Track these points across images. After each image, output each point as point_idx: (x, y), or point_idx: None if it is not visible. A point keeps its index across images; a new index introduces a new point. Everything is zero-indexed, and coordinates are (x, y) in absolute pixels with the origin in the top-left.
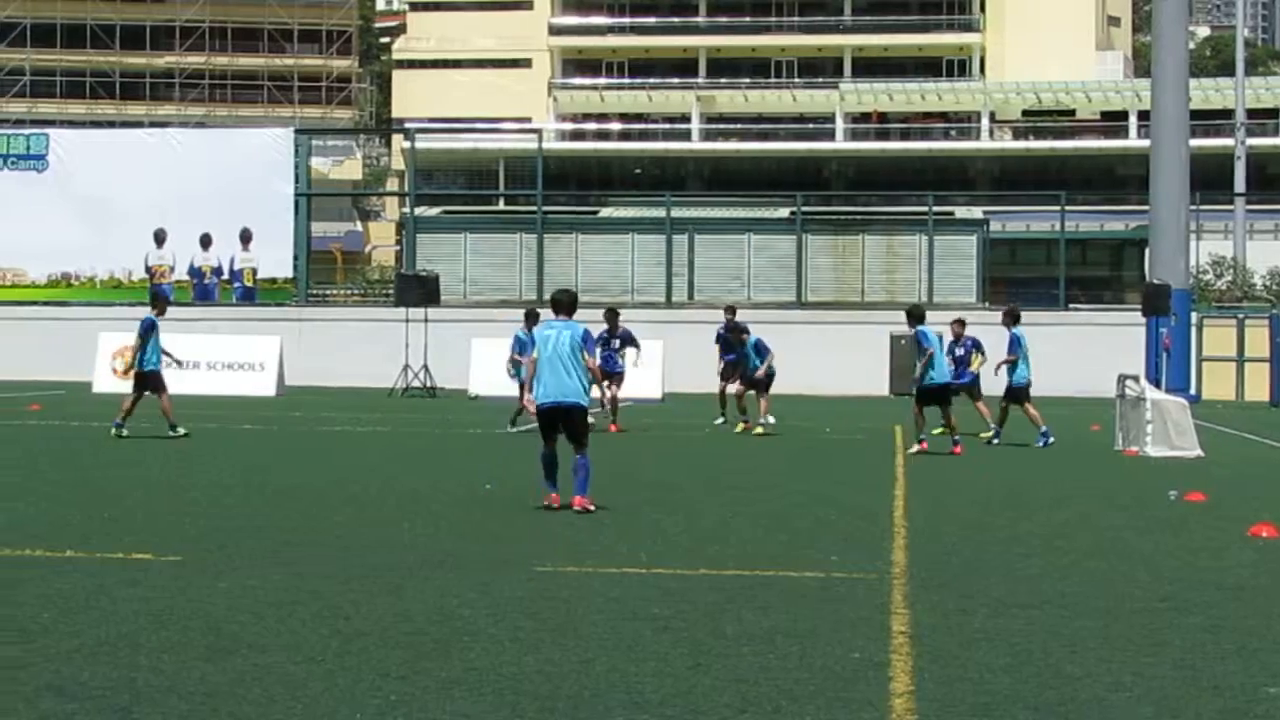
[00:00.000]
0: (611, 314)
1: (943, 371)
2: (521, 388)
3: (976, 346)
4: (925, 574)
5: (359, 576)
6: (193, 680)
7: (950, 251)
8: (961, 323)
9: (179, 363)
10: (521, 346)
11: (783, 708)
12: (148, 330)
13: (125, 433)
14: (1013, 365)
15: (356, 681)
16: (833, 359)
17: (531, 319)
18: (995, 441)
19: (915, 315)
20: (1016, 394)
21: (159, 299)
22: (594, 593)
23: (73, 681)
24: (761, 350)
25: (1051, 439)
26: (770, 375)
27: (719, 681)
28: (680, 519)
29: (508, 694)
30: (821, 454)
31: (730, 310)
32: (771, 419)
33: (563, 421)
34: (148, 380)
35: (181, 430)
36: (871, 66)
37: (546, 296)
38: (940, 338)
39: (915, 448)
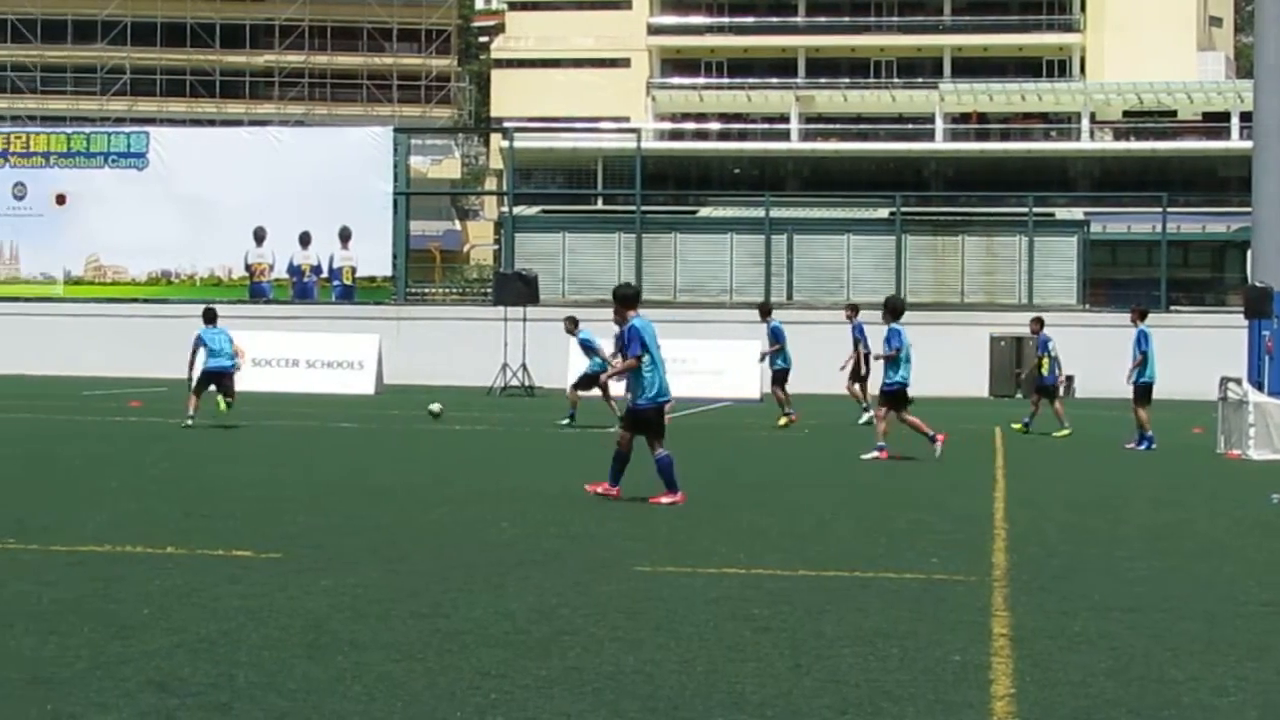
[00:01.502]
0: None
1: (907, 373)
2: (590, 381)
3: (1044, 346)
4: (1026, 576)
5: (458, 575)
6: (293, 678)
7: (1050, 253)
8: (1040, 321)
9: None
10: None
11: (883, 709)
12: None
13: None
14: (1142, 364)
15: (456, 680)
16: (931, 360)
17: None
18: (1153, 447)
19: (892, 309)
20: (1139, 392)
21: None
22: (694, 593)
23: (173, 678)
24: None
25: (1155, 445)
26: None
27: (819, 682)
28: (779, 519)
29: (607, 693)
30: (916, 455)
31: (854, 309)
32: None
33: (660, 420)
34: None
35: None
36: (971, 67)
37: (645, 296)
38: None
39: (874, 454)
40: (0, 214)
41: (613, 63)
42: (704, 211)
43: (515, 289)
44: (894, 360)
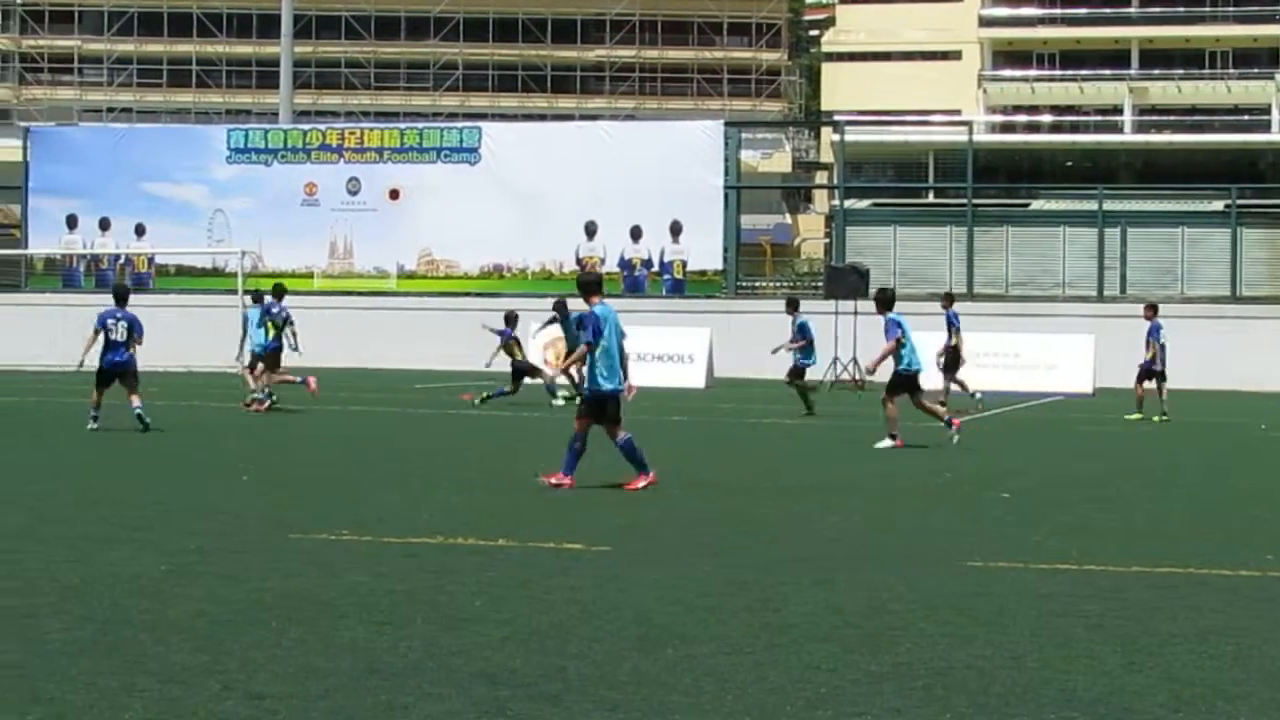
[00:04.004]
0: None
1: (915, 359)
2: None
3: (1152, 334)
4: None
5: (787, 568)
6: (623, 670)
7: None
8: (1153, 307)
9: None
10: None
11: (1217, 708)
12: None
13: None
14: None
15: (785, 674)
16: (1268, 355)
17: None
18: None
19: (883, 300)
20: None
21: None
22: (1024, 588)
23: (504, 669)
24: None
25: None
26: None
27: (1151, 680)
28: (1112, 515)
29: (937, 689)
30: (1256, 451)
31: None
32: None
33: (617, 407)
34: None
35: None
36: None
37: (977, 290)
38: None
39: (888, 443)
40: (335, 209)
41: (944, 55)
42: (1035, 204)
43: (848, 282)
44: (899, 350)
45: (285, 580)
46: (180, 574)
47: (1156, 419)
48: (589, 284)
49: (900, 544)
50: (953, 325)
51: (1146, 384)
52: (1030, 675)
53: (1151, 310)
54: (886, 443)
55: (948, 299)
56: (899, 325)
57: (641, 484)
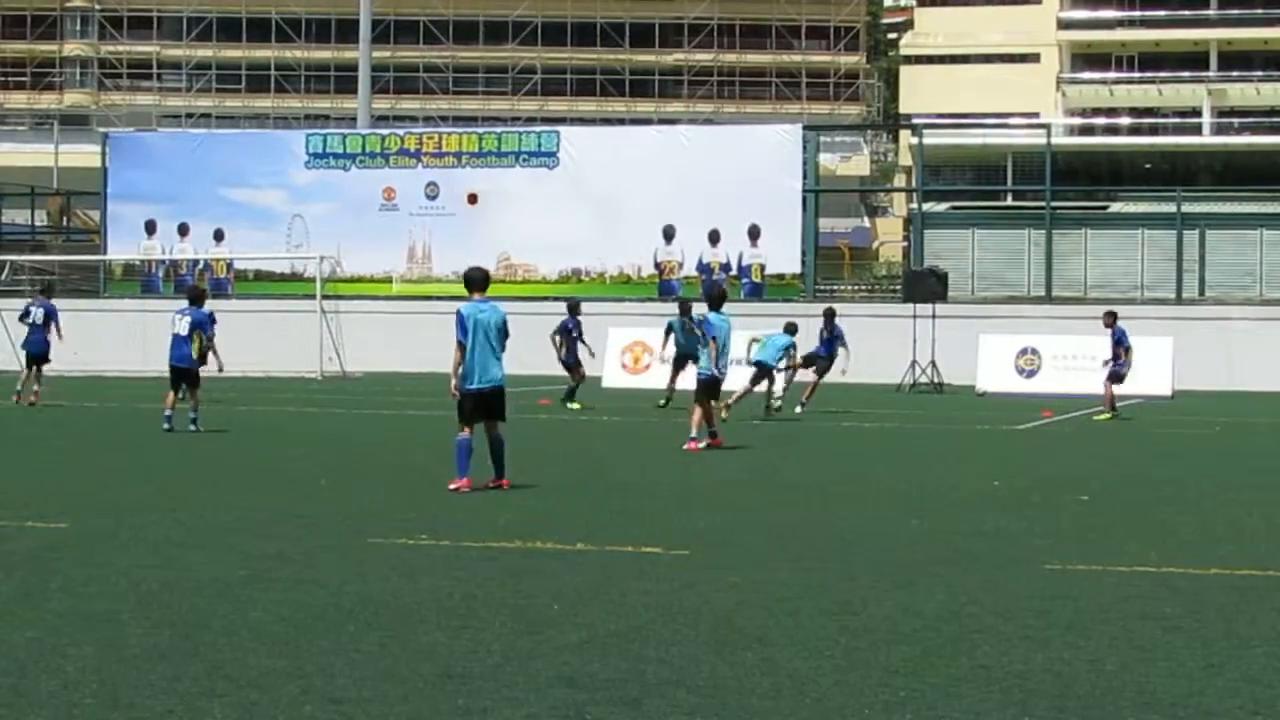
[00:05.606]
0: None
1: (709, 364)
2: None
3: (1119, 340)
4: None
5: (867, 572)
6: (701, 674)
7: None
8: (1112, 314)
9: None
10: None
11: None
12: None
13: None
14: None
15: (864, 678)
16: None
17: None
18: None
19: (710, 298)
20: None
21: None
22: (1104, 591)
23: (582, 673)
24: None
25: None
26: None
27: (1231, 683)
28: (1191, 518)
29: (1016, 692)
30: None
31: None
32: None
33: (487, 404)
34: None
35: None
36: None
37: (1055, 293)
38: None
39: (690, 445)
40: (413, 213)
41: (1022, 58)
42: (1114, 207)
43: (926, 286)
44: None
45: (363, 584)
46: (259, 578)
47: (1102, 417)
48: (473, 280)
49: (979, 547)
50: (838, 337)
51: (1115, 387)
52: (1109, 678)
53: (1111, 318)
54: (702, 444)
55: (828, 313)
56: (709, 324)
57: (505, 486)
